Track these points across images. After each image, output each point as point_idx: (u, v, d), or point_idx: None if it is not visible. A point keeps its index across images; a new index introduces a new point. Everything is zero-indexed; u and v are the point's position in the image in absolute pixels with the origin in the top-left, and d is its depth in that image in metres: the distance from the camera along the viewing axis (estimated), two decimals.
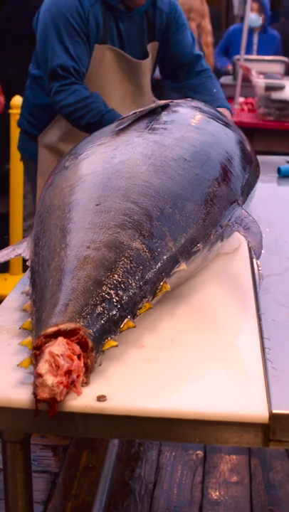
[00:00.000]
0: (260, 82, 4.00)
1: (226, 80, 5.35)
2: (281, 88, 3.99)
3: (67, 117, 1.80)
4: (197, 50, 2.06)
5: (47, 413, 0.77)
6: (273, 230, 1.43)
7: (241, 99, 4.76)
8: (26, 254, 1.02)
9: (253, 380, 0.87)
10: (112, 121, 1.51)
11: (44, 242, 0.97)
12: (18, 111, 2.77)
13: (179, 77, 2.06)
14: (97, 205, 0.98)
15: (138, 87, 1.96)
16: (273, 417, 0.80)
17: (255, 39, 5.78)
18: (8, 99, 3.22)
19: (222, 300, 1.09)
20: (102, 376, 0.85)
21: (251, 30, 5.68)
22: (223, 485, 1.90)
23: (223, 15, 7.64)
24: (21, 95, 2.87)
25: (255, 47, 5.77)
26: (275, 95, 4.00)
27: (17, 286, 1.11)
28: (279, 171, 2.01)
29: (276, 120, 4.06)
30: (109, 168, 1.07)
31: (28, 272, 0.99)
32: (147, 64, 1.95)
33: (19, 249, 1.04)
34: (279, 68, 4.88)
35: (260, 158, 2.00)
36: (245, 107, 4.67)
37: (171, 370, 0.88)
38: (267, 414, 0.80)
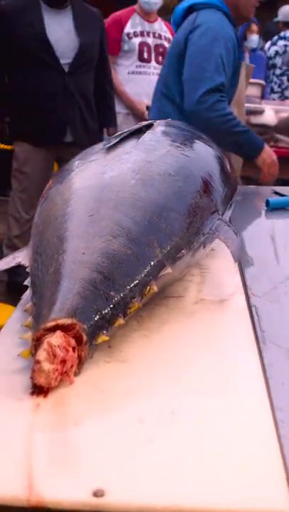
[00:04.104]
0: None
1: None
2: (260, 112, 4.05)
3: (222, 124, 2.26)
4: None
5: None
6: (269, 271, 1.39)
7: None
8: (26, 262, 1.11)
9: (269, 465, 0.76)
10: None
11: (42, 250, 1.06)
12: None
13: None
14: (90, 215, 1.08)
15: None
16: None
17: (247, 59, 5.97)
18: None
19: (222, 360, 1.00)
20: (98, 463, 0.75)
21: (242, 51, 5.90)
22: None
23: None
24: None
25: None
26: (255, 120, 4.06)
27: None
28: (267, 203, 1.93)
29: None
30: (101, 182, 1.17)
31: (25, 295, 1.08)
32: None
33: (19, 258, 1.14)
34: (256, 91, 4.95)
35: (246, 189, 2.05)
36: None
37: (174, 453, 0.77)
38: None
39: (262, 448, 0.80)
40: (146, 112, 4.42)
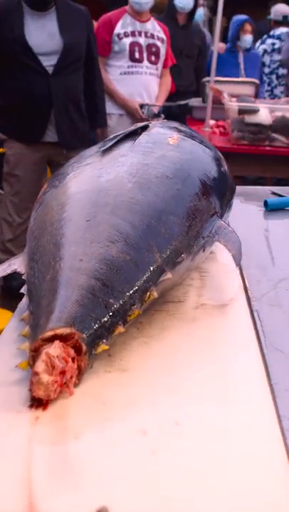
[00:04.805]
0: (233, 105, 4.05)
1: (195, 102, 5.41)
2: (255, 112, 4.03)
3: None
4: None
5: None
6: (270, 274, 1.34)
7: (212, 122, 4.78)
8: (22, 269, 1.09)
9: (278, 477, 0.74)
10: None
11: (39, 257, 1.04)
12: None
13: None
14: (87, 221, 1.05)
15: None
16: None
17: (241, 59, 5.97)
18: None
19: (225, 367, 0.98)
20: (100, 479, 0.72)
21: (236, 51, 5.90)
22: None
23: None
24: None
25: (242, 66, 5.95)
26: (249, 119, 4.04)
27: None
28: (266, 204, 1.88)
29: (250, 144, 4.11)
30: (97, 186, 1.14)
31: (21, 303, 1.05)
32: None
33: (14, 265, 1.12)
34: (249, 90, 4.92)
35: (243, 189, 2.03)
36: (217, 130, 4.68)
37: (179, 466, 0.75)
38: None
39: (270, 460, 0.77)
40: (140, 109, 4.40)
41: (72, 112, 3.55)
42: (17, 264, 1.12)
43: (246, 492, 0.72)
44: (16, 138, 3.55)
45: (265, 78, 6.79)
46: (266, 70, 6.86)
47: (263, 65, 6.82)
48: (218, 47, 5.03)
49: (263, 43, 6.97)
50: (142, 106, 4.41)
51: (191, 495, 0.71)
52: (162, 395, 0.89)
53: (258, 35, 7.09)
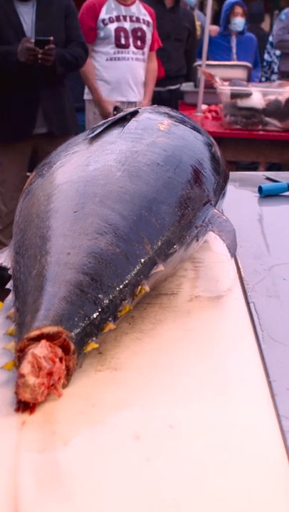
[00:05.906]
0: (225, 89, 3.99)
1: (187, 86, 5.35)
2: (247, 95, 3.98)
3: None
4: None
5: None
6: (266, 263, 1.30)
7: (204, 107, 4.71)
8: (8, 263, 1.04)
9: (278, 482, 0.70)
10: None
11: (24, 250, 0.99)
12: None
13: None
14: (74, 212, 1.00)
15: None
16: None
17: (234, 43, 5.90)
18: None
19: (221, 364, 0.94)
20: (91, 489, 0.68)
21: (229, 34, 5.82)
22: None
23: None
24: None
25: (234, 50, 5.88)
26: (242, 103, 3.98)
27: None
28: (260, 190, 1.83)
29: (243, 128, 4.05)
30: (85, 175, 1.09)
31: (7, 300, 1.00)
32: None
33: (0, 259, 1.07)
34: (241, 74, 4.85)
35: (237, 175, 1.98)
36: (209, 115, 4.62)
37: (175, 473, 0.71)
38: None
39: (270, 465, 0.73)
40: (114, 113, 4.31)
41: (59, 97, 3.50)
42: (3, 258, 1.07)
43: (245, 498, 0.68)
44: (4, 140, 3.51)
45: (275, 60, 6.70)
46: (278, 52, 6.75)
47: (271, 45, 6.72)
48: (209, 30, 4.95)
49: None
50: (116, 108, 4.32)
51: (188, 504, 0.67)
52: (156, 396, 0.85)
53: (250, 18, 7.00)
